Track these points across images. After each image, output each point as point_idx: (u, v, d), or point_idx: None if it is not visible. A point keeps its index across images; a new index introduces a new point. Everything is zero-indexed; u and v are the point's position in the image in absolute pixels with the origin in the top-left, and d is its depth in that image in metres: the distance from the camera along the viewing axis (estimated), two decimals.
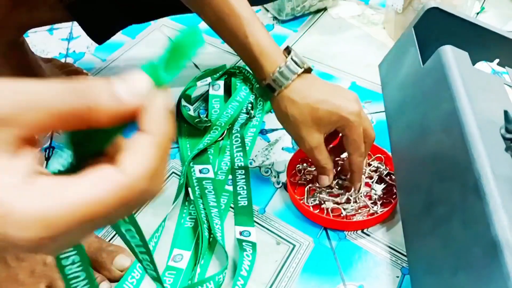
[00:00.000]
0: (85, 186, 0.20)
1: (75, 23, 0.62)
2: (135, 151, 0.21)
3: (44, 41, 0.83)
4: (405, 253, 0.50)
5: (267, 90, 0.49)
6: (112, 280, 0.48)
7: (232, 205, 0.56)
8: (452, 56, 0.49)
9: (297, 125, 0.49)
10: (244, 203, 0.55)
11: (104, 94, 0.21)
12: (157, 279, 0.38)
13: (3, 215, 0.19)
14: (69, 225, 0.20)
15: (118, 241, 0.53)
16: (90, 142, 0.23)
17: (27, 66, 0.63)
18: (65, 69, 0.72)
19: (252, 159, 0.61)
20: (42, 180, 0.20)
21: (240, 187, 0.57)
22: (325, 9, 0.86)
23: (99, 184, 0.20)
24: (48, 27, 0.86)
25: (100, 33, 0.61)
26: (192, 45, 0.24)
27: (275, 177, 0.59)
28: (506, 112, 0.26)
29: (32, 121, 0.20)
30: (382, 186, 0.55)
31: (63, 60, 0.78)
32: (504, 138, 0.28)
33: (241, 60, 0.76)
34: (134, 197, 0.21)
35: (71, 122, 0.21)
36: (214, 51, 0.79)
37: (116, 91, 0.21)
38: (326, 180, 0.52)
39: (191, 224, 0.54)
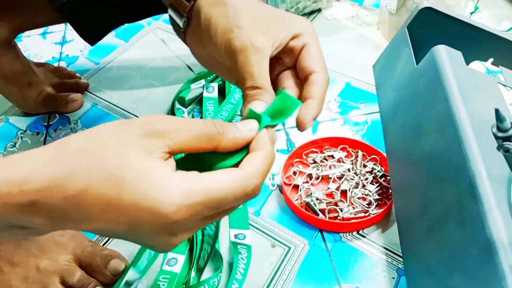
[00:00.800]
0: (216, 177, 0.28)
1: (69, 26, 0.61)
2: (252, 158, 0.30)
3: (37, 45, 0.83)
4: (401, 255, 0.50)
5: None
6: (106, 284, 0.48)
7: None
8: (445, 55, 0.49)
9: (237, 14, 0.36)
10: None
11: (230, 126, 0.31)
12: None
13: (158, 191, 0.27)
14: (204, 202, 0.28)
15: (111, 245, 0.52)
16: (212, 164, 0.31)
17: (19, 70, 0.62)
18: (58, 73, 0.71)
19: None
20: (183, 174, 0.28)
21: None
22: (319, 10, 0.86)
23: (226, 176, 0.29)
24: (41, 31, 0.85)
25: (92, 33, 0.61)
26: (291, 108, 0.35)
27: (270, 179, 0.59)
28: (497, 111, 0.26)
29: (182, 139, 0.29)
30: (377, 187, 0.55)
31: (56, 64, 0.78)
32: (496, 137, 0.28)
33: None
34: (250, 189, 0.29)
35: (203, 142, 0.30)
36: None
37: (237, 126, 0.31)
38: (260, 105, 0.35)
39: None
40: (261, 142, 0.32)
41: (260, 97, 0.35)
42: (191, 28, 0.39)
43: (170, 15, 0.41)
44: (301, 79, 0.38)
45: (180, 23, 0.39)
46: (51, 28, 0.86)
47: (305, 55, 0.38)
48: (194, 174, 0.28)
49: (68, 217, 0.27)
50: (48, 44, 0.83)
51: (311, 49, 0.38)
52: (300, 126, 0.37)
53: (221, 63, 0.39)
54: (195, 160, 0.32)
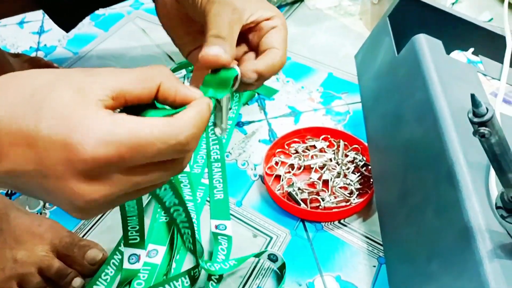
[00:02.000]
0: (146, 120, 0.26)
1: (46, 16, 0.60)
2: (186, 110, 0.28)
3: (14, 34, 0.81)
4: (381, 243, 0.50)
5: None
6: (84, 275, 0.47)
7: (208, 199, 0.55)
8: (425, 44, 0.49)
9: None
10: (220, 196, 0.55)
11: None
12: (193, 251, 0.48)
13: (76, 130, 0.24)
14: (129, 143, 0.25)
15: (90, 236, 0.52)
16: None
17: None
18: (35, 64, 0.70)
19: (229, 152, 0.61)
20: (111, 113, 0.26)
21: (216, 180, 0.56)
22: (302, 0, 0.85)
23: (157, 121, 0.26)
24: (17, 20, 0.83)
25: (67, 20, 0.59)
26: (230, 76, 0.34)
27: (252, 169, 0.59)
28: (473, 96, 0.26)
29: (124, 81, 0.27)
30: (358, 176, 0.55)
31: (33, 54, 0.76)
32: (472, 122, 0.28)
33: None
34: (182, 136, 0.27)
35: (147, 83, 0.28)
36: None
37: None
38: (216, 49, 0.34)
39: (166, 219, 0.53)
40: (199, 101, 0.30)
41: (221, 43, 0.34)
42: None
43: None
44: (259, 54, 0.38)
45: None
46: (28, 17, 0.84)
47: (272, 34, 0.38)
48: (123, 115, 0.26)
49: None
50: (25, 34, 0.81)
51: (279, 31, 0.38)
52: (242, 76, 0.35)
53: (185, 22, 0.40)
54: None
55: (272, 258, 0.48)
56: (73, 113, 0.25)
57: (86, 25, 0.81)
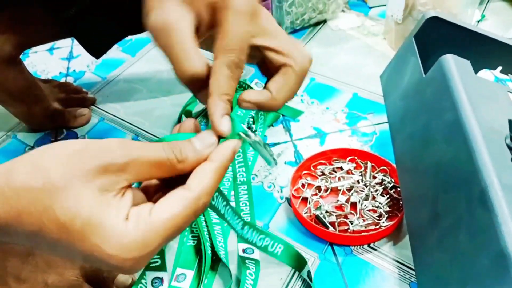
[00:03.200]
0: (167, 209, 0.28)
1: (75, 42, 0.62)
2: (200, 174, 0.30)
3: (44, 61, 0.83)
4: (413, 267, 0.49)
5: None
6: None
7: None
8: (453, 65, 0.48)
9: None
10: (247, 219, 0.54)
11: (188, 151, 0.30)
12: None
13: (112, 242, 0.26)
14: (160, 240, 0.28)
15: None
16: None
17: (25, 86, 0.62)
18: (64, 89, 0.72)
19: (255, 174, 0.61)
20: (135, 220, 0.27)
21: (242, 203, 0.56)
22: (324, 21, 0.86)
23: (177, 204, 0.28)
24: (48, 47, 0.86)
25: (97, 47, 0.61)
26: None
27: (278, 192, 0.58)
28: (510, 122, 0.26)
29: (141, 171, 0.28)
30: (387, 199, 0.54)
31: (63, 79, 0.78)
32: (510, 148, 0.27)
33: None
34: (200, 210, 0.29)
35: (164, 171, 0.29)
36: None
37: (195, 146, 0.31)
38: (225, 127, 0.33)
39: (193, 242, 0.53)
40: (217, 152, 0.31)
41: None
42: None
43: None
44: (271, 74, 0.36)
45: None
46: (58, 43, 0.86)
47: (278, 73, 0.35)
48: (145, 211, 0.28)
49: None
50: (55, 60, 0.83)
51: (285, 75, 0.35)
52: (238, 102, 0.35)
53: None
54: None
55: (309, 276, 0.47)
56: (99, 232, 0.27)
57: (113, 51, 0.83)
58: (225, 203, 0.39)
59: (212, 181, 0.30)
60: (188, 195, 0.29)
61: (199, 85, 0.33)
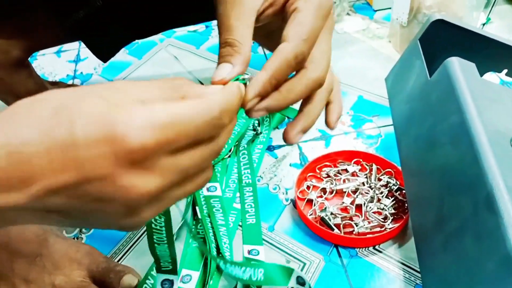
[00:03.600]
0: (179, 103, 0.26)
1: (83, 45, 0.62)
2: (216, 90, 0.29)
3: (52, 63, 0.84)
4: (418, 270, 0.49)
5: None
6: None
7: (240, 223, 0.55)
8: (459, 67, 0.48)
9: None
10: (253, 221, 0.55)
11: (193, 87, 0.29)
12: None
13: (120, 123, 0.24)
14: (173, 124, 0.25)
15: (126, 261, 0.52)
16: None
17: (33, 89, 0.63)
18: None
19: (260, 176, 0.61)
20: (147, 104, 0.25)
21: (248, 205, 0.56)
22: None
23: (190, 102, 0.26)
24: (55, 49, 0.87)
25: (105, 50, 0.61)
26: None
27: (283, 193, 0.59)
28: None
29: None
30: (392, 201, 0.54)
31: (70, 82, 0.79)
32: None
33: (246, 76, 0.76)
34: (212, 114, 0.27)
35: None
36: None
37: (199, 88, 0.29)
38: (225, 70, 0.32)
39: (199, 244, 0.53)
40: (227, 85, 0.30)
41: (230, 59, 0.32)
42: None
43: None
44: None
45: None
46: (65, 46, 0.87)
47: (288, 22, 0.33)
48: (155, 102, 0.26)
49: (9, 181, 0.23)
50: (62, 62, 0.84)
51: (299, 15, 0.32)
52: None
53: None
54: None
55: (300, 280, 0.47)
56: (108, 110, 0.24)
57: (120, 53, 0.83)
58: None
59: (225, 94, 0.28)
60: (201, 98, 0.27)
61: (229, 50, 0.32)
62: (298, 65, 0.33)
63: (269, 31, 0.36)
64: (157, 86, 0.27)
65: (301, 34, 0.32)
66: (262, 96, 0.32)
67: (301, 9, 0.32)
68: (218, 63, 0.33)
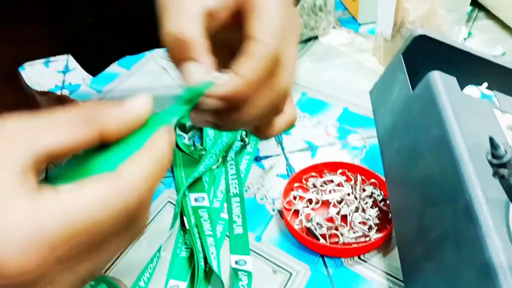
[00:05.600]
0: (82, 192, 0.20)
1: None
2: (136, 157, 0.22)
3: (40, 73, 0.84)
4: (402, 279, 0.50)
5: None
6: None
7: (227, 233, 0.56)
8: (440, 81, 0.50)
9: None
10: (240, 231, 0.55)
11: (110, 103, 0.23)
12: None
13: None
14: (66, 235, 0.19)
15: (113, 272, 0.52)
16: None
17: (23, 100, 0.63)
18: (61, 102, 0.72)
19: (247, 186, 0.62)
20: (32, 195, 0.19)
21: (235, 215, 0.57)
22: (316, 37, 0.88)
23: (96, 189, 0.20)
24: (43, 59, 0.87)
25: (94, 65, 0.62)
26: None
27: (270, 204, 0.59)
28: (491, 139, 0.27)
29: (47, 147, 0.20)
30: (377, 211, 0.55)
31: (59, 92, 0.79)
32: (491, 164, 0.28)
33: None
34: (134, 202, 0.21)
35: (83, 130, 0.21)
36: None
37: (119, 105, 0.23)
38: (192, 72, 0.27)
39: (186, 254, 0.53)
40: (155, 138, 0.24)
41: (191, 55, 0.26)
42: None
43: None
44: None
45: None
46: (53, 57, 0.87)
47: (249, 16, 0.27)
48: (48, 191, 0.20)
49: None
50: (50, 73, 0.84)
51: (263, 6, 0.26)
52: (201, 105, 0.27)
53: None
54: (73, 168, 0.22)
55: None
56: None
57: None
58: None
59: (152, 164, 0.22)
60: (115, 179, 0.21)
61: (181, 53, 0.27)
62: (273, 71, 0.27)
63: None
64: (64, 122, 0.21)
65: (273, 30, 0.26)
66: (225, 106, 0.27)
67: (263, 1, 0.27)
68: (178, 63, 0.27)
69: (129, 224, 0.22)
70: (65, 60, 0.87)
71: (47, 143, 0.20)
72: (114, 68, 0.84)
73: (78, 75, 0.83)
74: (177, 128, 0.68)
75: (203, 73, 0.26)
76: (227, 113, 0.28)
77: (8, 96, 0.61)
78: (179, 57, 0.27)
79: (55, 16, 0.53)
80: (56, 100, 0.73)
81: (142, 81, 0.81)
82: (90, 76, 0.81)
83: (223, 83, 0.26)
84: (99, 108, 0.22)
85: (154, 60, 0.85)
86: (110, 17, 0.53)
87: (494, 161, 0.28)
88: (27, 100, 0.64)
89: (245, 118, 0.28)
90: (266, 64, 0.26)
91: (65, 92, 0.80)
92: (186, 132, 0.69)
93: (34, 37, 0.58)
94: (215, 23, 0.27)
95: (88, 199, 0.20)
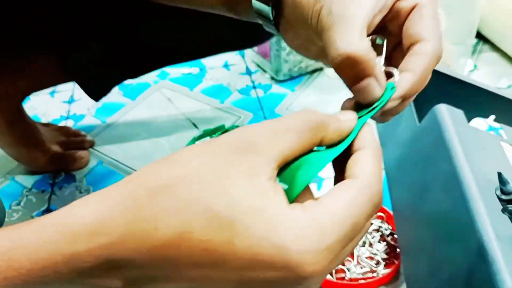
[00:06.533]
0: (337, 200, 0.23)
1: (77, 85, 0.63)
2: (361, 161, 0.25)
3: (45, 104, 0.84)
4: None
5: None
6: None
7: None
8: (447, 114, 0.49)
9: None
10: None
11: (329, 116, 0.26)
12: None
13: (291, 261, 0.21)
14: (339, 236, 0.22)
15: None
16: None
17: (30, 133, 0.63)
18: (64, 132, 0.72)
19: None
20: (300, 206, 0.22)
21: None
22: (321, 69, 0.88)
23: (348, 194, 0.23)
24: (49, 90, 0.88)
25: (96, 90, 0.62)
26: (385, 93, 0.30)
27: None
28: (500, 174, 0.26)
29: (286, 145, 0.23)
30: (384, 246, 0.54)
31: (63, 122, 0.80)
32: (500, 200, 0.28)
33: (239, 120, 0.78)
34: (377, 198, 0.24)
35: (309, 140, 0.24)
36: (213, 111, 0.80)
37: (335, 116, 0.27)
38: (373, 87, 0.29)
39: None
40: (366, 138, 0.27)
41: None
42: (283, 17, 0.33)
43: (256, 8, 0.33)
44: (404, 52, 0.30)
45: (269, 13, 0.33)
46: (59, 87, 0.88)
47: (412, 19, 0.29)
48: (310, 203, 0.23)
49: (148, 276, 0.21)
50: (56, 103, 0.85)
51: (423, 10, 0.29)
52: (382, 114, 0.30)
53: (316, 45, 0.33)
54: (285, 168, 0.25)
55: None
56: (264, 218, 0.21)
57: (114, 94, 0.84)
58: None
59: (376, 164, 0.25)
60: (356, 183, 0.24)
61: (355, 72, 0.28)
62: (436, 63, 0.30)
63: (307, 38, 0.33)
64: (295, 130, 0.24)
65: (437, 31, 0.29)
66: (405, 99, 0.30)
67: (424, 4, 0.29)
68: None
69: (372, 208, 0.25)
70: (71, 90, 0.87)
71: (284, 149, 0.23)
72: (118, 98, 0.84)
73: (83, 105, 0.83)
74: None
75: (383, 87, 0.29)
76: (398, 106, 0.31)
77: (18, 131, 0.62)
78: (353, 75, 0.29)
79: (64, 44, 0.53)
80: (58, 130, 0.73)
81: (147, 111, 0.81)
82: (95, 107, 0.82)
83: (401, 85, 0.29)
84: (322, 121, 0.25)
85: (159, 91, 0.85)
86: (112, 42, 0.54)
87: (503, 197, 0.27)
88: (31, 132, 0.65)
89: (406, 105, 0.32)
90: (436, 61, 0.30)
91: (70, 122, 0.80)
92: None
93: (42, 67, 0.59)
94: (370, 29, 0.30)
95: (349, 202, 0.23)
